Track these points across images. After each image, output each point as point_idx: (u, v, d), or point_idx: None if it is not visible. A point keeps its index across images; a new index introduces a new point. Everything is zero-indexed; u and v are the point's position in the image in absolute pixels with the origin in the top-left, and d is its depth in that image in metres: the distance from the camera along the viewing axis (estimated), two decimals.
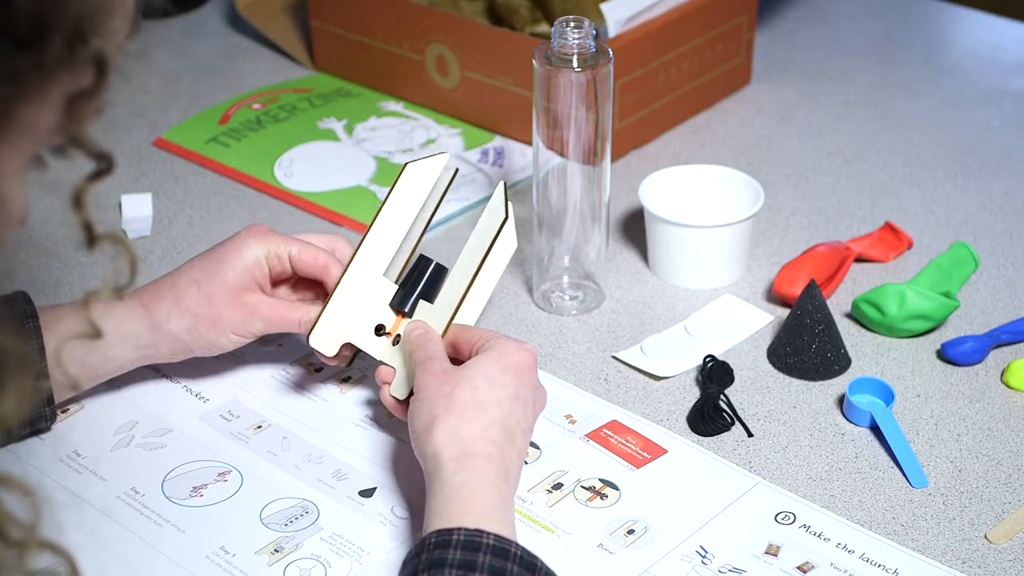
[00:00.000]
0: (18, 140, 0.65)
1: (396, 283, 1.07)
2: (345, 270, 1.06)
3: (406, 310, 1.05)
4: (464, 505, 0.89)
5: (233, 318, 1.04)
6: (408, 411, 0.98)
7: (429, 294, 1.06)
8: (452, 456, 0.92)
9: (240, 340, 1.06)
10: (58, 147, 0.68)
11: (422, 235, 1.10)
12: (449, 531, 0.86)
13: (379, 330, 1.05)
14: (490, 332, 1.01)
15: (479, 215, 1.30)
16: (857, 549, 0.97)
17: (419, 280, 1.06)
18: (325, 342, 1.05)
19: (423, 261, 1.07)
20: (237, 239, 1.06)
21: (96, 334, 0.74)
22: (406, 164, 1.09)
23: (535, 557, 0.86)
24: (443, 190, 1.09)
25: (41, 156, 0.68)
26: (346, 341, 1.05)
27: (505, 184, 1.07)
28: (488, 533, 0.85)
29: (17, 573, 0.67)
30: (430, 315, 1.05)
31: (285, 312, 1.05)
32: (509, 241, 1.07)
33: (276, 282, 1.08)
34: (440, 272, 1.07)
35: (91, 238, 0.69)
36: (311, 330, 1.04)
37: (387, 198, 1.08)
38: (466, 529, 0.85)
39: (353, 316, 1.05)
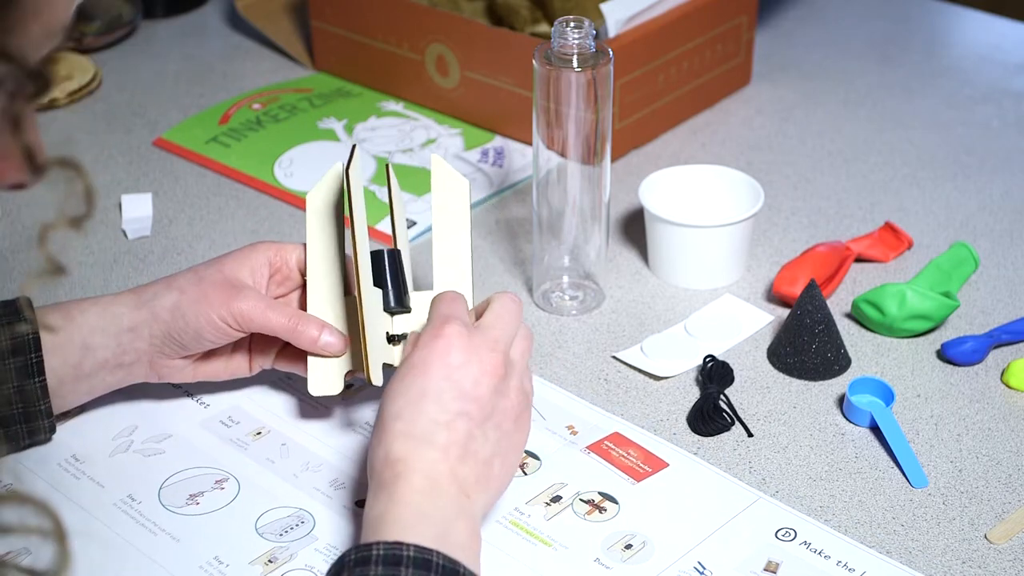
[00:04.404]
0: None
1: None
2: (360, 301, 0.99)
3: (408, 307, 1.04)
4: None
5: (218, 298, 1.01)
6: None
7: (405, 281, 1.04)
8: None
9: (221, 328, 1.01)
10: None
11: (394, 234, 1.07)
12: (368, 546, 0.83)
13: (391, 340, 1.03)
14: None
15: (477, 215, 1.30)
16: (858, 567, 0.95)
17: (395, 273, 1.03)
18: (376, 374, 0.99)
19: (379, 255, 1.03)
20: (247, 247, 1.06)
21: (58, 270, 0.66)
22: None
23: (456, 563, 0.83)
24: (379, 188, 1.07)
25: None
26: (383, 362, 1.01)
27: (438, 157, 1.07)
28: (408, 545, 0.83)
29: None
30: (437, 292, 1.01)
31: (269, 306, 1.01)
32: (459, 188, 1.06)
33: (277, 296, 1.07)
34: (396, 254, 1.04)
35: (35, 166, 0.61)
36: (367, 372, 0.99)
37: (351, 216, 1.02)
38: (385, 543, 0.83)
39: (373, 338, 1.00)
